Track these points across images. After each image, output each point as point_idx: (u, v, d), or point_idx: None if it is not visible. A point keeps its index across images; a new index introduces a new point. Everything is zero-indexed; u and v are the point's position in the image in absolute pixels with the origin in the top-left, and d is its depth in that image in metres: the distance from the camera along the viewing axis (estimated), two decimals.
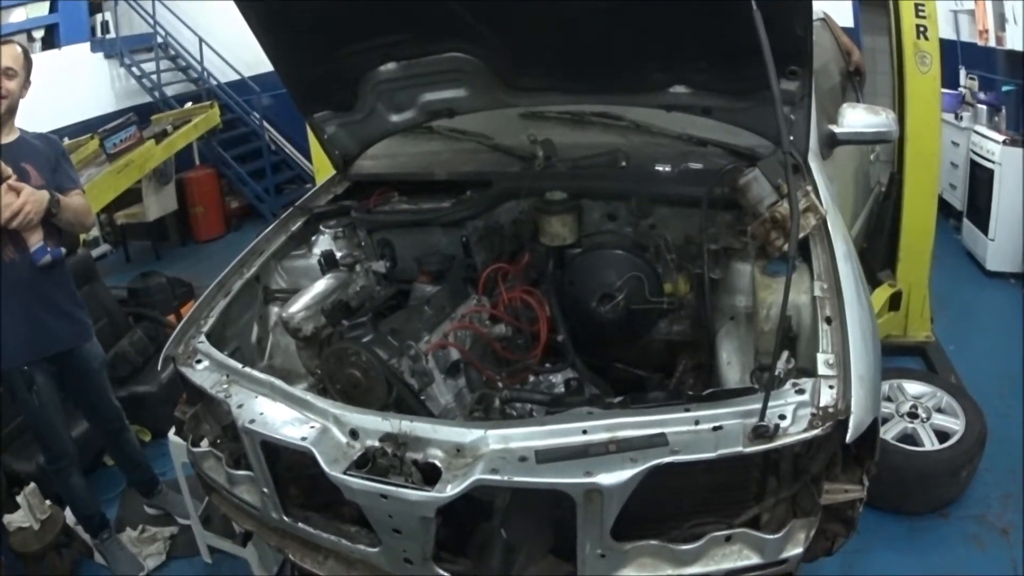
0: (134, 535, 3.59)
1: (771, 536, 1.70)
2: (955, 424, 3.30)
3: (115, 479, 3.96)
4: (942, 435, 3.28)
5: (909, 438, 3.30)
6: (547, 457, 1.66)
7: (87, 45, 9.02)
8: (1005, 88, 5.97)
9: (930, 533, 3.16)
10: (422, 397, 2.25)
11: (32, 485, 3.36)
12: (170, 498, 3.70)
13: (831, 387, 1.67)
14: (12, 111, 2.94)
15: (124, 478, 3.82)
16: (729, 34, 1.90)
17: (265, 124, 9.33)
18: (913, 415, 3.38)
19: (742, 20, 1.64)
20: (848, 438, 1.59)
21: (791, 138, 2.20)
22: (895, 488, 3.11)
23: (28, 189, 2.77)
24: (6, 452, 3.69)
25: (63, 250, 3.04)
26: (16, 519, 3.30)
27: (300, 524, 2.08)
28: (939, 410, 3.41)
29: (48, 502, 3.39)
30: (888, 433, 3.27)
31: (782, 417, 1.62)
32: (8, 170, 2.74)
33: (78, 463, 3.34)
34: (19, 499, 3.31)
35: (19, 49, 2.94)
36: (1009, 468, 3.41)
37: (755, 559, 1.70)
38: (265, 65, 2.72)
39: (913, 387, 3.54)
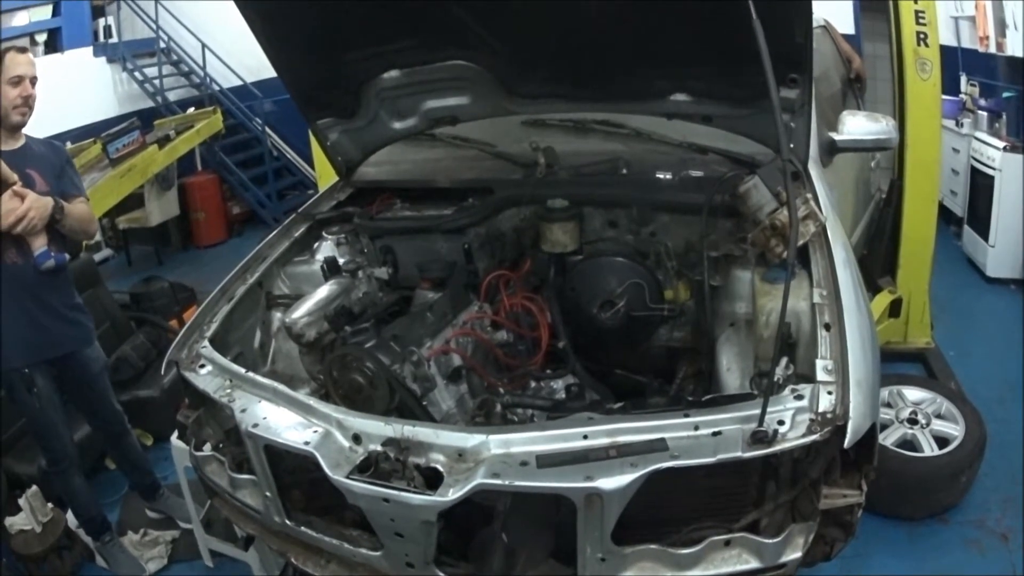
0: (136, 538, 3.59)
1: (770, 540, 1.71)
2: (955, 430, 3.31)
3: (117, 482, 3.96)
4: (942, 441, 3.29)
5: (909, 444, 3.31)
6: (548, 462, 1.68)
7: (90, 49, 9.02)
8: (1006, 94, 5.98)
9: (930, 538, 3.16)
10: (424, 402, 2.26)
11: (34, 487, 3.37)
12: (172, 502, 3.71)
13: (830, 393, 1.68)
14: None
15: (126, 481, 3.82)
16: (729, 42, 1.91)
17: (267, 130, 9.33)
18: (913, 421, 3.38)
19: (742, 28, 1.65)
20: (846, 443, 1.60)
21: (791, 145, 2.21)
22: (895, 493, 3.11)
23: (32, 195, 2.80)
24: (8, 455, 3.70)
25: (67, 255, 3.05)
26: (18, 521, 3.31)
27: (302, 528, 2.09)
28: (939, 416, 3.42)
29: (50, 505, 3.40)
30: (888, 439, 3.27)
31: (781, 423, 1.63)
32: (13, 176, 2.77)
33: (79, 465, 3.35)
34: (21, 501, 3.31)
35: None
36: (1009, 473, 3.42)
37: (754, 563, 1.71)
38: (268, 71, 2.74)
39: (913, 393, 3.54)
